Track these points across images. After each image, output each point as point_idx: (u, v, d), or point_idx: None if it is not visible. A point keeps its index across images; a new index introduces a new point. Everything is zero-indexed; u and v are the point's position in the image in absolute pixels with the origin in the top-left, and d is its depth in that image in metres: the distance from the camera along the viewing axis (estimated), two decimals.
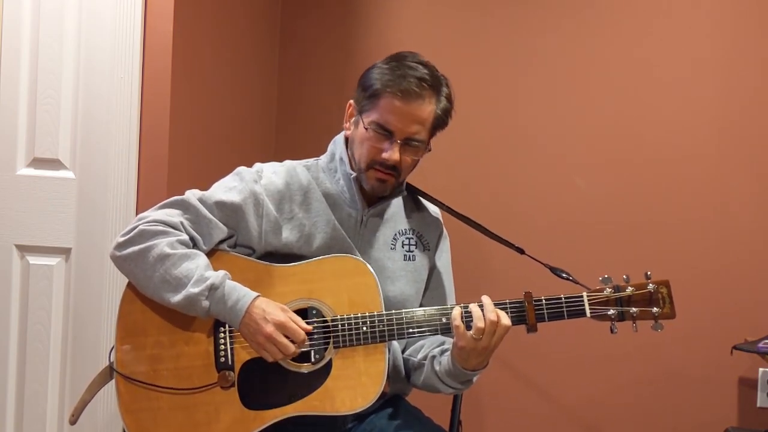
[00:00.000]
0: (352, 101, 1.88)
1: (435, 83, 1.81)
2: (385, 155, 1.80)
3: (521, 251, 2.00)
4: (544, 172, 2.84)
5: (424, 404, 1.98)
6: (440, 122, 1.85)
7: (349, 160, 1.88)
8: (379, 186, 1.85)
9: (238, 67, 2.84)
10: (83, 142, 2.40)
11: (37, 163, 2.41)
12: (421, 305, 1.95)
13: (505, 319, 1.73)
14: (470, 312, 1.73)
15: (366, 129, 1.80)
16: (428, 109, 1.81)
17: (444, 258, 2.01)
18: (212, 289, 1.72)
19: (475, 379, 1.82)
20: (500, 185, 2.87)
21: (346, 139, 1.92)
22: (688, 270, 2.71)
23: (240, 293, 1.74)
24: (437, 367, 1.82)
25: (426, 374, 1.86)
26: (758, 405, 2.66)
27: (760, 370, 2.66)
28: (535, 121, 2.85)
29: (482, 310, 1.73)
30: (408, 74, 1.78)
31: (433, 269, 1.98)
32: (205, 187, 1.90)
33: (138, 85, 2.40)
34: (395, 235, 1.93)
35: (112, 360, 1.81)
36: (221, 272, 1.75)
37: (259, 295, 1.75)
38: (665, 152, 2.75)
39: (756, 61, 2.69)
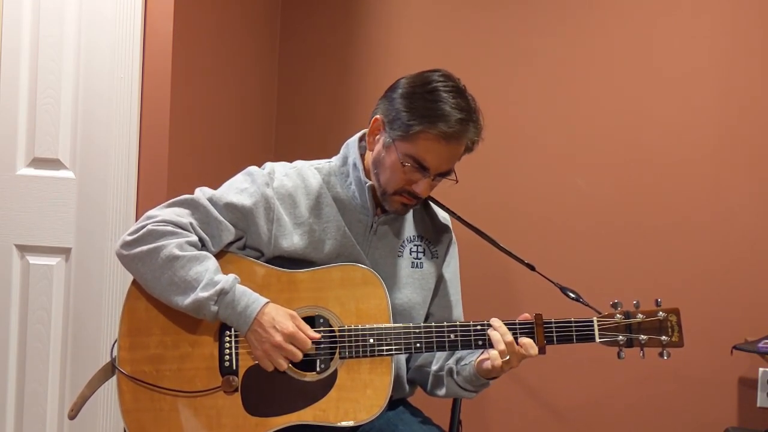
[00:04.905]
0: (379, 117, 1.82)
1: (470, 117, 1.78)
2: (417, 189, 1.79)
3: (532, 268, 1.96)
4: (543, 172, 2.83)
5: (425, 404, 1.98)
6: (468, 151, 1.83)
7: (365, 169, 1.86)
8: (402, 209, 1.86)
9: (238, 67, 2.84)
10: (83, 142, 2.40)
11: (37, 163, 2.41)
12: (428, 312, 1.95)
13: (533, 349, 1.74)
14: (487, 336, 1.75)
15: (401, 162, 1.77)
16: (464, 145, 1.80)
17: (452, 265, 2.00)
18: (222, 293, 1.71)
19: (491, 382, 1.84)
20: (500, 185, 2.86)
21: (360, 144, 1.90)
22: (688, 270, 2.70)
23: (249, 299, 1.73)
24: (457, 378, 1.84)
25: (448, 387, 1.87)
26: (758, 405, 2.66)
27: (760, 370, 2.66)
28: (534, 121, 2.84)
29: (503, 339, 1.73)
30: (448, 113, 1.74)
31: (441, 277, 1.97)
32: (206, 186, 1.88)
33: (138, 85, 2.39)
34: (403, 242, 1.92)
35: (114, 356, 1.79)
36: (231, 276, 1.74)
37: (268, 302, 1.74)
38: (665, 152, 2.74)
39: (756, 62, 2.69)
